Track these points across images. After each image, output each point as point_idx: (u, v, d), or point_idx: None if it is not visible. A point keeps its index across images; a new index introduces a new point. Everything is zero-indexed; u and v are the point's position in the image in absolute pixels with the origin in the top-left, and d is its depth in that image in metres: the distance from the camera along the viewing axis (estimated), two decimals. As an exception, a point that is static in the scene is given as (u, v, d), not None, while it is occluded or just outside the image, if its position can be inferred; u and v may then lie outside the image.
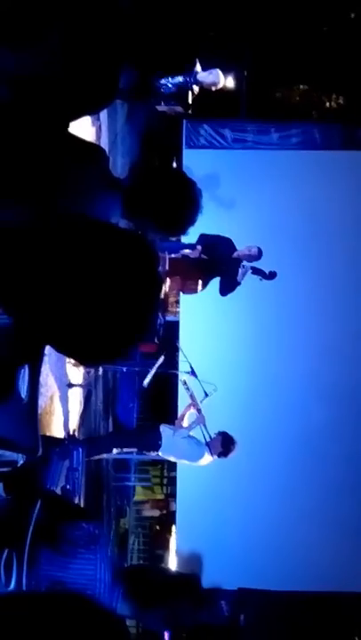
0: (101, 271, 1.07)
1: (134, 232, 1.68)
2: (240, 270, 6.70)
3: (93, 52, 1.96)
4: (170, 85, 6.94)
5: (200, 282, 6.87)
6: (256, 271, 6.79)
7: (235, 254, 6.78)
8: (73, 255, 1.08)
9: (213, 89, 7.11)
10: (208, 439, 6.00)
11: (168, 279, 6.80)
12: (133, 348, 1.13)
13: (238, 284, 6.73)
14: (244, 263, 6.73)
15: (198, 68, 6.99)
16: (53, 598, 0.88)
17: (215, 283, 6.88)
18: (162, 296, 7.29)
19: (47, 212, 1.62)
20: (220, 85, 7.16)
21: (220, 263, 6.74)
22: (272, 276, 6.85)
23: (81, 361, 1.51)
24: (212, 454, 5.97)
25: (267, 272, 6.82)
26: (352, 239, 8.39)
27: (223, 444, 5.95)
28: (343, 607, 7.47)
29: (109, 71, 2.07)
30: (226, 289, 6.79)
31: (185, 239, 7.08)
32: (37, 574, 1.75)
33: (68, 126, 2.10)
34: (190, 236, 6.83)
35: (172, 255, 6.67)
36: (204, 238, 6.76)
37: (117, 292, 1.07)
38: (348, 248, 8.37)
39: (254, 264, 6.77)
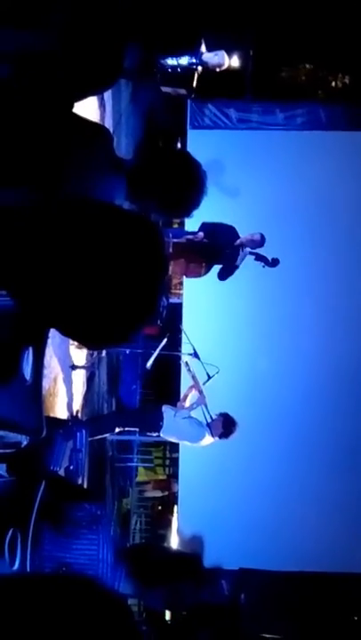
0: (107, 253, 1.06)
1: (139, 214, 1.67)
2: (240, 255, 6.68)
3: (97, 30, 1.94)
4: (175, 65, 6.87)
5: (203, 266, 6.84)
6: (259, 258, 6.75)
7: (238, 241, 6.74)
8: (78, 237, 1.07)
9: (218, 70, 7.05)
10: (209, 420, 6.02)
11: (172, 262, 6.78)
12: (139, 330, 1.13)
13: (236, 267, 6.70)
14: (247, 250, 6.69)
15: (203, 48, 6.92)
16: (57, 580, 0.89)
17: (217, 267, 6.85)
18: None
19: (52, 193, 1.61)
20: (224, 67, 7.10)
21: (222, 250, 6.70)
22: (275, 262, 6.80)
23: (86, 344, 1.51)
24: (212, 435, 6.00)
25: (269, 259, 6.78)
26: (357, 220, 8.35)
27: (224, 426, 5.97)
28: (343, 587, 7.54)
29: (114, 50, 2.04)
30: (224, 273, 6.76)
31: (188, 225, 7.06)
32: (41, 554, 1.76)
33: (72, 106, 2.08)
34: (193, 223, 6.81)
35: (176, 240, 6.64)
36: (206, 226, 6.73)
37: (123, 275, 1.06)
38: (352, 230, 8.34)
39: (257, 250, 6.74)
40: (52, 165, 1.79)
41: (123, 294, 1.06)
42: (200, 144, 7.94)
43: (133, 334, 1.14)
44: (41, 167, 1.77)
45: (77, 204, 1.14)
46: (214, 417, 6.04)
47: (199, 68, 6.93)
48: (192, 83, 7.07)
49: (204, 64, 6.89)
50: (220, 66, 6.98)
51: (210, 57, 6.88)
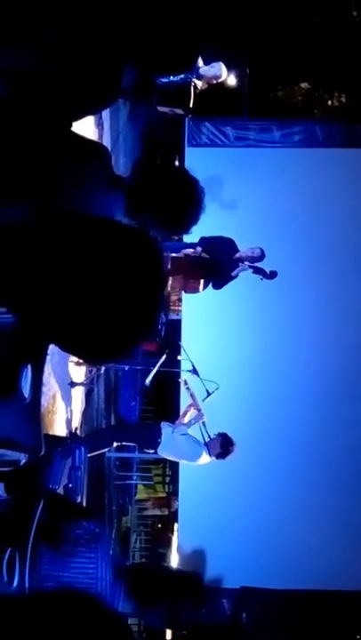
0: (106, 267, 1.07)
1: (138, 229, 1.67)
2: (238, 268, 6.69)
3: (93, 48, 1.96)
4: (172, 81, 6.90)
5: (202, 281, 6.85)
6: (257, 270, 6.77)
7: (237, 255, 6.76)
8: (76, 252, 1.08)
9: (215, 82, 7.05)
10: (208, 439, 5.99)
11: (170, 278, 6.79)
12: (139, 345, 1.13)
13: (232, 278, 6.71)
14: (245, 263, 6.71)
15: (200, 62, 6.96)
16: (57, 596, 0.88)
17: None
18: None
19: (48, 211, 1.62)
20: (222, 78, 7.11)
21: (222, 263, 6.72)
22: (273, 275, 6.82)
23: (86, 359, 1.51)
24: (210, 455, 5.96)
25: (267, 271, 6.80)
26: (354, 236, 8.38)
27: (222, 446, 5.94)
28: (346, 606, 7.48)
29: (112, 69, 2.06)
30: (219, 283, 6.77)
31: (187, 239, 7.07)
32: (39, 573, 1.75)
33: (70, 125, 2.09)
34: (192, 236, 6.82)
35: (174, 255, 6.65)
36: (205, 239, 6.74)
37: (122, 289, 1.06)
38: (349, 245, 8.37)
39: (256, 264, 6.75)
40: (48, 183, 1.80)
41: (122, 309, 1.06)
42: (198, 162, 7.99)
43: (133, 349, 1.13)
44: (38, 184, 1.78)
45: (75, 219, 1.14)
46: (213, 436, 6.01)
47: (197, 82, 6.95)
48: (189, 99, 7.10)
49: (201, 77, 6.92)
50: (217, 77, 6.98)
51: (206, 69, 6.90)
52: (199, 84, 7.08)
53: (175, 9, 1.99)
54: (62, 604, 0.85)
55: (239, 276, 6.79)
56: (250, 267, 6.73)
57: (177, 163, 8.71)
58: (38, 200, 1.71)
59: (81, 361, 6.41)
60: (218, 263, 6.68)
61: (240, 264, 6.69)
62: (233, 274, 6.69)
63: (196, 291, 6.99)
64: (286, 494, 7.77)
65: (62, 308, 1.07)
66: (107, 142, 7.12)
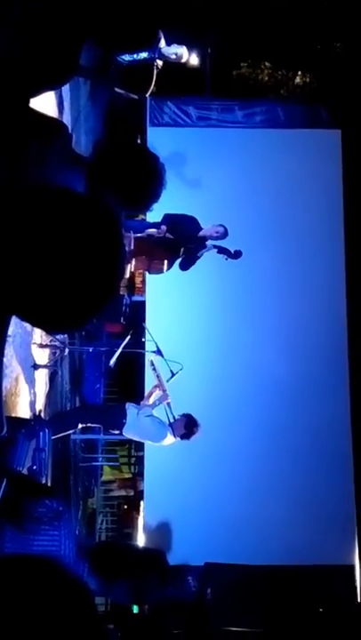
0: (64, 233, 1.06)
1: (94, 196, 1.66)
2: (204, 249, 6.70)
3: (53, 25, 1.93)
4: (133, 60, 6.85)
5: (166, 262, 6.84)
6: (221, 250, 6.78)
7: (200, 233, 6.77)
8: (34, 218, 1.07)
9: (174, 58, 7.03)
10: (172, 420, 6.02)
11: (134, 259, 6.76)
12: (101, 312, 1.13)
13: (197, 258, 6.73)
14: (209, 242, 6.72)
15: (163, 43, 6.91)
16: (15, 560, 0.89)
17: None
18: (127, 276, 7.25)
19: (8, 183, 1.59)
20: (184, 59, 7.09)
21: (185, 242, 6.71)
22: (237, 255, 6.85)
23: (47, 328, 1.50)
24: (174, 435, 6.00)
25: (232, 251, 6.82)
26: (315, 215, 8.46)
27: (186, 426, 5.98)
28: (308, 580, 7.64)
29: (69, 45, 2.03)
30: (186, 264, 6.77)
31: (150, 218, 7.04)
32: (2, 551, 1.75)
33: (28, 101, 2.06)
34: (155, 215, 6.80)
35: (138, 235, 6.62)
36: (168, 217, 6.72)
37: (81, 254, 1.06)
38: (311, 224, 8.44)
39: (220, 243, 6.77)
40: (6, 158, 1.77)
41: (82, 273, 1.06)
42: (160, 141, 7.93)
43: (95, 315, 1.14)
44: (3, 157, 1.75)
45: (32, 188, 1.13)
46: (177, 417, 6.04)
47: (158, 62, 6.91)
48: (151, 79, 7.06)
49: (163, 57, 6.88)
50: (179, 58, 6.97)
51: (168, 50, 6.88)
52: (160, 63, 7.04)
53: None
54: (21, 567, 0.86)
55: (203, 256, 6.80)
56: (214, 247, 6.74)
57: (139, 142, 8.63)
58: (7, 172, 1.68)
59: (44, 343, 6.36)
60: (182, 242, 6.67)
61: (205, 244, 6.69)
62: (198, 254, 6.70)
63: (160, 271, 6.98)
64: (249, 473, 7.87)
65: (20, 274, 1.06)
66: (67, 121, 7.02)
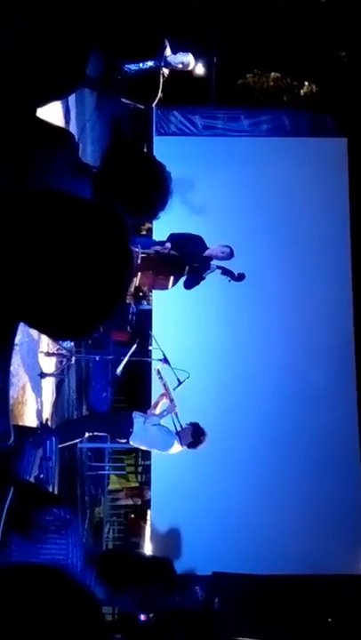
0: (72, 240, 1.06)
1: (103, 203, 1.66)
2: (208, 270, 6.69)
3: (60, 31, 1.94)
4: (140, 69, 6.89)
5: (171, 278, 6.82)
6: (225, 272, 6.74)
7: (206, 252, 6.73)
8: (43, 224, 1.07)
9: (181, 67, 7.05)
10: (179, 429, 6.02)
11: (139, 273, 6.76)
12: (108, 318, 1.12)
13: (203, 278, 6.70)
14: (214, 262, 6.68)
15: (168, 51, 6.95)
16: (23, 569, 0.88)
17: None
18: (133, 287, 7.26)
19: (14, 190, 1.60)
20: (190, 66, 7.11)
21: (190, 261, 6.69)
22: (240, 277, 6.78)
23: (54, 335, 1.50)
24: (181, 444, 5.99)
25: (236, 274, 6.78)
26: (322, 226, 8.45)
27: (193, 435, 5.97)
28: (317, 589, 7.58)
29: (76, 53, 2.04)
30: (190, 283, 6.74)
31: (156, 236, 7.06)
32: (9, 560, 1.74)
33: (35, 110, 2.07)
34: (161, 227, 6.81)
35: (145, 250, 6.63)
36: (174, 236, 6.72)
37: (89, 260, 1.06)
38: (318, 235, 8.44)
39: (225, 263, 6.73)
40: (13, 166, 1.78)
41: (90, 279, 1.06)
42: (166, 150, 7.96)
43: (103, 322, 1.13)
44: (4, 166, 1.75)
45: (41, 193, 1.13)
46: (184, 426, 6.04)
47: (165, 70, 6.94)
48: (158, 88, 7.09)
49: (169, 66, 6.90)
50: (185, 65, 6.99)
51: (174, 58, 6.90)
52: (167, 72, 7.07)
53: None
54: (28, 576, 0.85)
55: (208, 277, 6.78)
56: (218, 267, 6.71)
57: (145, 151, 8.66)
58: (3, 181, 1.68)
59: (51, 351, 6.37)
60: (187, 261, 6.65)
61: (210, 264, 6.67)
62: (203, 275, 6.68)
63: (165, 287, 6.96)
64: (256, 482, 7.84)
65: (28, 281, 1.06)
66: (74, 131, 7.06)
